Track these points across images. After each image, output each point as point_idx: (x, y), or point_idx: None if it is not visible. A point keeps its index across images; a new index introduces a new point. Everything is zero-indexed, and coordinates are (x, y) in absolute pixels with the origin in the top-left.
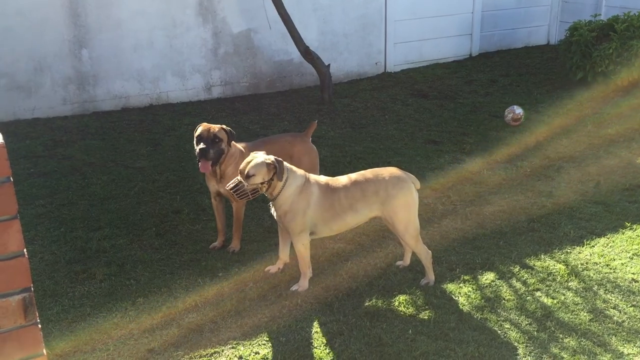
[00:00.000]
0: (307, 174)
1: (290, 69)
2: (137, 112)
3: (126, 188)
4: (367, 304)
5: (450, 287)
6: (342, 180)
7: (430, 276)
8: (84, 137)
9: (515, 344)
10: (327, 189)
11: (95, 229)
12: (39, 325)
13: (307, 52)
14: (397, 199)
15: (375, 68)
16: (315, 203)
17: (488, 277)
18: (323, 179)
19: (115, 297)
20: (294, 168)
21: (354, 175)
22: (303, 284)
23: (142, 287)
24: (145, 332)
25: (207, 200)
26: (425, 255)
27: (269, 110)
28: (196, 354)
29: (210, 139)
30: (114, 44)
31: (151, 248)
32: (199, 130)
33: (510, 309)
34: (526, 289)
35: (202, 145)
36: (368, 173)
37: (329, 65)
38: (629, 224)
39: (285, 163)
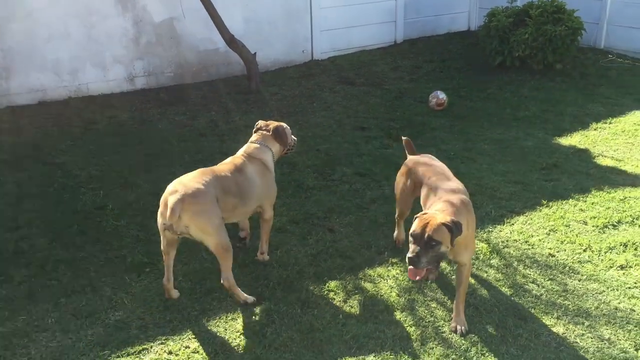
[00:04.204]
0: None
1: (216, 58)
2: (55, 105)
3: (45, 185)
4: (297, 291)
5: (379, 270)
6: None
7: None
8: None
9: (442, 322)
10: None
11: (12, 230)
12: None
13: (232, 41)
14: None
15: (302, 56)
16: None
17: None
18: None
19: (36, 299)
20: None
21: None
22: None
23: (64, 287)
24: (69, 333)
25: (131, 195)
26: None
27: (195, 100)
28: (123, 352)
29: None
30: (26, 34)
31: (73, 246)
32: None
33: (437, 289)
34: (451, 269)
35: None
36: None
37: (255, 53)
38: (545, 202)
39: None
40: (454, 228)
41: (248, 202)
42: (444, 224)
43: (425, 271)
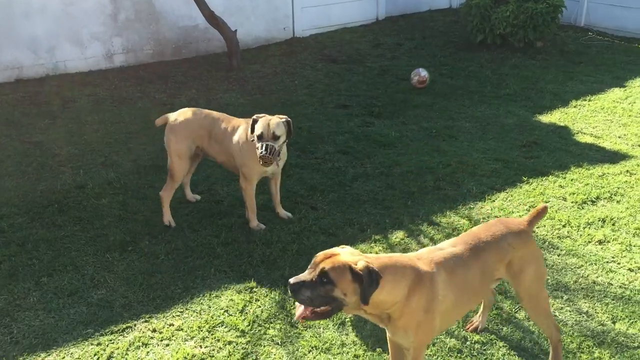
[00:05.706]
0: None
1: (195, 35)
2: (32, 83)
3: (23, 164)
4: (281, 269)
5: (362, 247)
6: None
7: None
8: None
9: None
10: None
11: None
12: None
13: (212, 17)
14: None
15: (284, 33)
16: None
17: (398, 235)
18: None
19: (17, 279)
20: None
21: None
22: None
23: (45, 266)
24: (52, 312)
25: (112, 173)
26: None
27: (175, 78)
28: (107, 330)
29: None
30: (1, 10)
31: (54, 225)
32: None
33: None
34: (433, 245)
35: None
36: None
37: (235, 30)
38: (525, 179)
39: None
40: (366, 278)
41: (224, 150)
42: (351, 267)
43: (311, 312)
